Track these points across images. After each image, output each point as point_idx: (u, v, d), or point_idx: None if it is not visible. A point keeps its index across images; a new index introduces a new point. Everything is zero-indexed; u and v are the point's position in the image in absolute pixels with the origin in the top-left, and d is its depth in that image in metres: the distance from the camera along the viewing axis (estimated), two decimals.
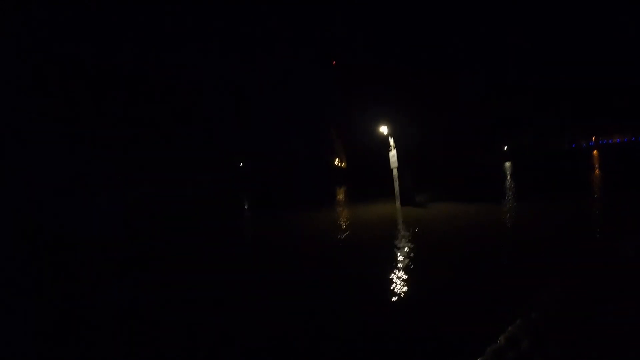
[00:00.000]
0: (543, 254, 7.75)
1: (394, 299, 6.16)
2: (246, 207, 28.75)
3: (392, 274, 7.14)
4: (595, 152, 74.83)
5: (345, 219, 15.27)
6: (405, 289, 6.50)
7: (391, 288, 6.51)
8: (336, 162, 70.76)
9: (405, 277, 6.98)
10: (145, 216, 28.10)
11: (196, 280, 8.13)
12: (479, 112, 67.63)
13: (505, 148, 73.43)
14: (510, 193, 19.29)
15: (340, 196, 29.09)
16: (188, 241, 14.00)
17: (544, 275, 6.43)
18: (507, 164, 54.90)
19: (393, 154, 17.49)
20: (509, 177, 31.75)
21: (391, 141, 17.45)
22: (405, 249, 9.00)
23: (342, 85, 67.03)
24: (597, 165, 35.84)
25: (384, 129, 17.71)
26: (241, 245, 12.37)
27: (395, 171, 17.48)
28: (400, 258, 8.31)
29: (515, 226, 10.90)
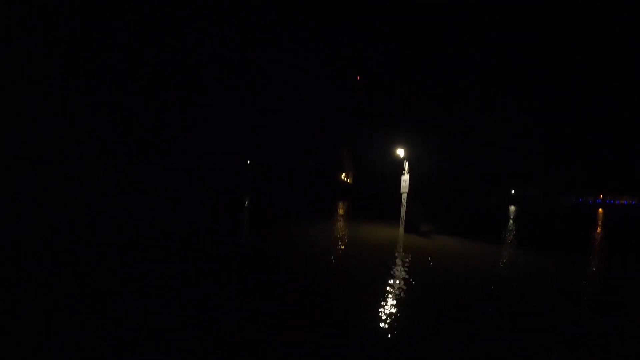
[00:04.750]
0: (544, 313, 7.31)
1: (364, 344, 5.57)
2: (245, 206, 28.52)
3: (375, 315, 6.43)
4: (600, 210, 74.47)
5: (342, 239, 14.72)
6: (382, 334, 5.91)
7: (369, 330, 5.90)
8: (342, 176, 70.71)
9: (387, 320, 6.30)
10: (143, 202, 27.97)
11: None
12: (492, 153, 67.78)
13: (513, 192, 73.39)
14: (512, 237, 19.01)
15: (342, 212, 28.78)
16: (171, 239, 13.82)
17: (546, 337, 6.12)
18: (512, 207, 54.69)
19: (405, 178, 17.22)
20: (512, 221, 31.47)
21: (405, 165, 17.19)
22: (398, 284, 8.42)
23: (360, 102, 67.27)
24: (600, 224, 35.57)
25: (400, 152, 17.47)
26: (220, 251, 11.91)
27: (404, 196, 17.21)
28: (389, 295, 7.74)
29: (514, 277, 10.46)
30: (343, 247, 12.80)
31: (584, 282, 10.33)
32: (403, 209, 17.14)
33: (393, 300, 7.21)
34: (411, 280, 8.74)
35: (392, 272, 9.39)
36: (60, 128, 52.96)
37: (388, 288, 8.01)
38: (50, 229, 13.04)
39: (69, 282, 7.25)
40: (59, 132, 52.47)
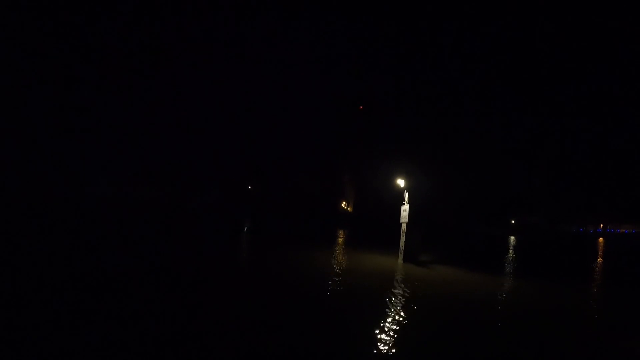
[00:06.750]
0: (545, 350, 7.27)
1: None
2: (245, 231, 28.52)
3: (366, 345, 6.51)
4: (600, 239, 74.23)
5: (340, 268, 14.74)
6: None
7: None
8: (343, 204, 70.66)
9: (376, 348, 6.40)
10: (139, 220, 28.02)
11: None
12: (492, 184, 68.16)
13: (513, 222, 73.19)
14: (512, 269, 19.08)
15: (342, 240, 28.79)
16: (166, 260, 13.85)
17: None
18: (512, 237, 54.53)
19: (405, 208, 17.41)
20: (512, 251, 31.46)
21: (406, 195, 17.41)
22: (394, 318, 8.38)
23: (361, 131, 67.96)
24: (600, 254, 35.60)
25: (400, 182, 17.73)
26: (219, 276, 12.01)
27: (404, 226, 17.37)
28: (382, 325, 7.78)
29: (514, 311, 10.43)
30: (340, 276, 12.82)
31: (584, 312, 10.39)
32: (402, 238, 17.26)
33: (384, 330, 7.28)
34: (405, 310, 8.84)
35: (387, 301, 9.50)
36: (61, 143, 53.44)
37: (382, 316, 8.10)
38: (47, 245, 13.11)
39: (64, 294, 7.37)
40: (58, 146, 52.92)
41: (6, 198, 35.79)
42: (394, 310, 8.87)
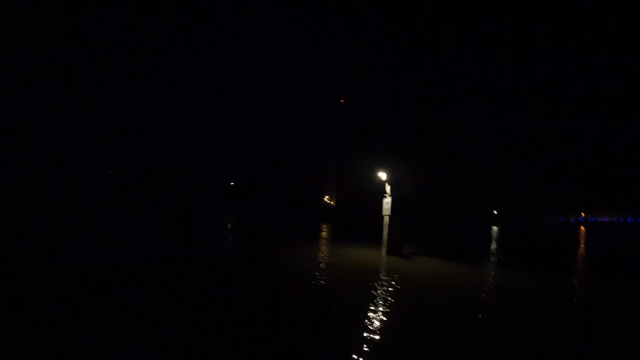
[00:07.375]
0: (528, 340, 7.02)
1: None
2: (229, 228, 28.07)
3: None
4: (582, 227, 75.65)
5: (325, 261, 14.47)
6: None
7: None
8: (325, 198, 70.54)
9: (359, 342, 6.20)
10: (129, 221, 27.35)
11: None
12: (475, 176, 68.74)
13: (495, 212, 73.95)
14: (494, 258, 19.00)
15: (325, 233, 28.49)
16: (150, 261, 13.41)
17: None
18: (495, 228, 55.00)
19: (387, 201, 17.12)
20: (494, 241, 31.57)
21: (387, 188, 17.12)
22: (382, 312, 8.10)
23: (345, 126, 67.80)
24: (582, 242, 36.07)
25: (382, 175, 17.40)
26: (203, 274, 11.73)
27: (386, 218, 17.08)
28: (366, 318, 7.53)
29: (487, 296, 10.27)
30: (326, 271, 12.52)
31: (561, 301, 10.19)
32: (385, 231, 16.98)
33: (373, 325, 6.93)
34: (390, 303, 8.54)
35: (373, 295, 9.16)
36: (61, 143, 52.53)
37: (370, 311, 7.76)
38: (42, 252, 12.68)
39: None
40: (58, 146, 52.02)
41: (6, 198, 35.14)
42: (381, 304, 8.58)
